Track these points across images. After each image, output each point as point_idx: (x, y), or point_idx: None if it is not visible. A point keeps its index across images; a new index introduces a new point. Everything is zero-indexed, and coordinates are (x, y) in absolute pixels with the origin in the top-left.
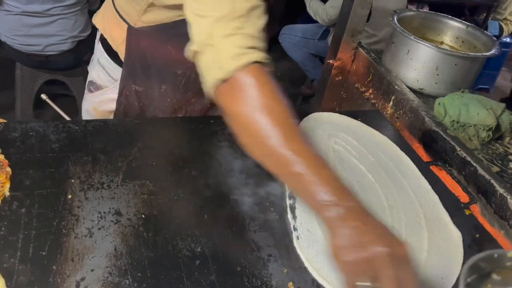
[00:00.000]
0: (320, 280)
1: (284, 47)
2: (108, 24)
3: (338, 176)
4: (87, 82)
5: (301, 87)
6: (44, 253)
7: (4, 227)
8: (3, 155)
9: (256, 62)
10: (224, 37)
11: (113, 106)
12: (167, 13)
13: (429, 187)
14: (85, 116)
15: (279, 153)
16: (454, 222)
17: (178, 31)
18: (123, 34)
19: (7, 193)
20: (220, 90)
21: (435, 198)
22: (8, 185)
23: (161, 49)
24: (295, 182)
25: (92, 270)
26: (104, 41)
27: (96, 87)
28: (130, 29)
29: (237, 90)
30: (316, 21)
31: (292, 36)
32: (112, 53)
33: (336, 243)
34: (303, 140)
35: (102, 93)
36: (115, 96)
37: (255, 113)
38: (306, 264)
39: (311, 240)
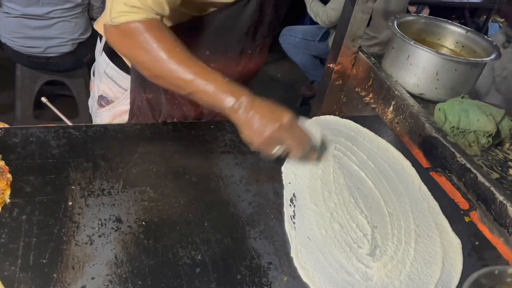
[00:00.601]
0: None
1: (284, 48)
2: None
3: (223, 77)
4: (96, 97)
5: (301, 88)
6: (44, 261)
7: (5, 235)
8: (4, 161)
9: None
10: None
11: (126, 117)
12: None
13: (428, 193)
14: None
15: (176, 78)
16: (453, 229)
17: (182, 33)
18: None
19: (8, 200)
20: (112, 35)
21: (435, 205)
22: (8, 192)
23: None
24: (198, 96)
25: (93, 278)
26: (107, 50)
27: (107, 101)
28: None
29: (127, 36)
30: (316, 23)
31: (293, 37)
32: (117, 62)
33: (245, 134)
34: (190, 61)
35: (114, 106)
36: (127, 107)
37: (148, 51)
38: (302, 274)
39: (309, 250)
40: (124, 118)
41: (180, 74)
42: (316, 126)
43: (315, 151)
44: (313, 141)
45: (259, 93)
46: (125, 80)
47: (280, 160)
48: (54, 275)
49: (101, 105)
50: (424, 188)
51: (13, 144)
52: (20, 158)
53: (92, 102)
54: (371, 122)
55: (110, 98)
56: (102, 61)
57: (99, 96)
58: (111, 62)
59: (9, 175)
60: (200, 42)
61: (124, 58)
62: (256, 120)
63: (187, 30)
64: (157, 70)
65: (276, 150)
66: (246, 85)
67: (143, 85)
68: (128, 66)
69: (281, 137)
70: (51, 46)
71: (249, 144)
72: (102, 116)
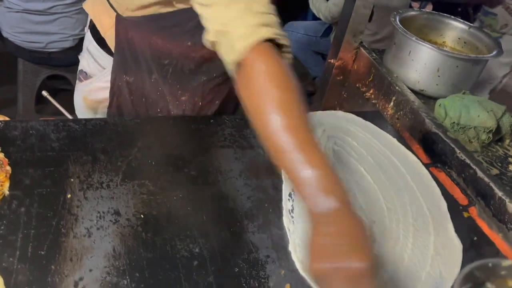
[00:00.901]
0: (314, 286)
1: None
2: (98, 10)
3: (338, 178)
4: (77, 71)
5: (303, 84)
6: (43, 253)
7: (4, 226)
8: (3, 154)
9: (267, 39)
10: (233, 20)
11: (102, 95)
12: (155, 6)
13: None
14: (77, 106)
15: (291, 156)
16: (453, 224)
17: (165, 23)
18: (111, 21)
19: (7, 192)
20: (238, 79)
21: (440, 201)
22: (7, 184)
23: (148, 40)
24: (300, 182)
25: (91, 270)
26: (93, 28)
27: (86, 76)
28: (118, 17)
29: (249, 79)
30: (319, 19)
31: (295, 33)
32: (100, 41)
33: (313, 245)
34: (312, 149)
35: (91, 82)
36: (103, 85)
37: (266, 112)
38: (299, 268)
39: (307, 244)
40: (100, 95)
41: (291, 155)
42: None
43: None
44: None
45: None
46: (105, 59)
47: None
48: (52, 266)
49: (79, 80)
50: (432, 184)
51: (13, 137)
52: (20, 150)
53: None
54: (372, 118)
55: (88, 74)
56: (86, 37)
57: (79, 70)
58: (93, 41)
59: (8, 168)
60: (181, 32)
61: (106, 41)
62: (327, 237)
63: (160, 21)
64: (274, 146)
65: None
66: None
67: (124, 68)
68: (109, 47)
69: (333, 283)
70: (53, 41)
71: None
72: (80, 91)
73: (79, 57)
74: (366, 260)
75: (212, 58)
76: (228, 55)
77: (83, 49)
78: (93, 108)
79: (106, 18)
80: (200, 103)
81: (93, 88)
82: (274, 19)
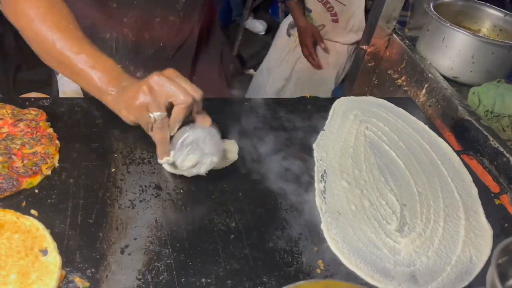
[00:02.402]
0: (346, 262)
1: None
2: None
3: (114, 64)
4: None
5: None
6: (91, 221)
7: (55, 195)
8: (52, 129)
9: None
10: None
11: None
12: None
13: (468, 177)
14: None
15: (61, 55)
16: (484, 211)
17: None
18: None
19: (57, 164)
20: (4, 5)
21: (472, 188)
22: (57, 157)
23: (84, 12)
24: (79, 79)
25: (135, 239)
26: None
27: None
28: None
29: (14, 3)
30: None
31: None
32: None
33: (121, 113)
34: (79, 41)
35: None
36: None
37: (33, 23)
38: (331, 246)
39: (339, 223)
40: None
41: (64, 50)
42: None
43: (206, 115)
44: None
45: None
46: None
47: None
48: (100, 234)
49: None
50: (463, 171)
51: (60, 113)
52: (67, 126)
53: None
54: (403, 104)
55: None
56: None
57: None
58: None
59: (57, 142)
60: None
61: None
62: (131, 88)
63: None
64: (42, 44)
65: (154, 116)
66: (199, 53)
67: None
68: None
69: (160, 89)
70: None
71: (125, 118)
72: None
73: None
74: (156, 73)
75: (150, 25)
76: None
77: None
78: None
79: None
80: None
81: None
82: None
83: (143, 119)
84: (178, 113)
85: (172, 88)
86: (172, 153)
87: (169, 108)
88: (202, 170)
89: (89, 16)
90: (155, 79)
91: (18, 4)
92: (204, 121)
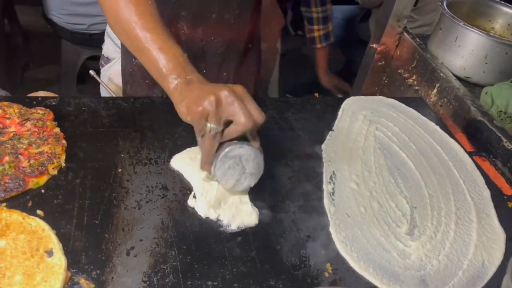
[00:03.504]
0: (355, 266)
1: None
2: None
3: (182, 53)
4: (100, 58)
5: (339, 70)
6: (97, 222)
7: (61, 196)
8: (59, 128)
9: None
10: None
11: (120, 80)
12: None
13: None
14: (103, 92)
15: (132, 28)
16: (496, 214)
17: None
18: None
19: (63, 164)
20: None
21: (484, 190)
22: (63, 157)
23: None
24: (144, 57)
25: (141, 240)
26: None
27: (107, 61)
28: None
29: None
30: (357, 3)
31: (332, 17)
32: None
33: (179, 107)
34: (155, 23)
35: (111, 66)
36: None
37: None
38: (340, 249)
39: (348, 226)
40: (119, 81)
41: (136, 25)
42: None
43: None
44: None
45: (293, 72)
46: None
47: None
48: (106, 235)
49: (101, 65)
50: (476, 172)
51: (67, 113)
52: (74, 126)
53: None
54: (414, 104)
55: (109, 58)
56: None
57: (101, 56)
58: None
59: (64, 141)
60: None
61: None
62: (199, 89)
63: None
64: (119, 17)
65: (210, 126)
66: (246, 53)
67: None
68: None
69: (228, 105)
70: (95, 23)
71: (185, 113)
72: (104, 76)
73: (102, 45)
74: (234, 85)
75: (205, 19)
76: None
77: (105, 34)
78: (118, 92)
79: None
80: (204, 70)
81: (114, 72)
82: None
83: (198, 125)
84: (233, 131)
85: (237, 108)
86: (214, 164)
87: (228, 123)
88: (239, 189)
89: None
90: (225, 94)
91: None
92: (254, 142)
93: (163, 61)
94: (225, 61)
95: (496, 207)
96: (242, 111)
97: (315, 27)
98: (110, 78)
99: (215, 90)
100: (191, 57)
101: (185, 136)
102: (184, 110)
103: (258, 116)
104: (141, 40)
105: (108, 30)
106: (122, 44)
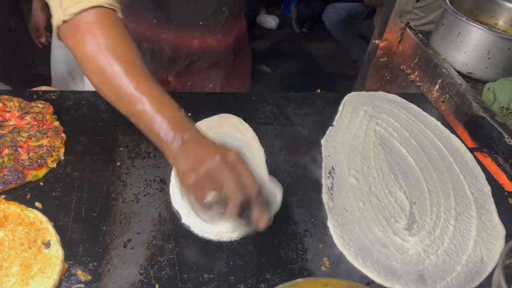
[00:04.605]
0: (352, 260)
1: (328, 26)
2: None
3: (177, 109)
4: None
5: (343, 67)
6: (95, 214)
7: (59, 188)
8: (58, 122)
9: (99, 6)
10: None
11: None
12: None
13: (481, 175)
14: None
15: (124, 92)
16: (496, 210)
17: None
18: None
19: (62, 157)
20: (64, 31)
21: (485, 186)
22: (63, 150)
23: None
24: (139, 120)
25: (138, 233)
26: None
27: None
28: None
29: (80, 31)
30: (361, 0)
31: (337, 15)
32: None
33: (179, 172)
34: (145, 79)
35: None
36: None
37: (99, 53)
38: (338, 243)
39: (346, 220)
40: None
41: (126, 87)
42: (278, 187)
43: (264, 213)
44: (263, 196)
45: (298, 71)
46: None
47: (213, 216)
48: (104, 227)
49: None
50: (476, 168)
51: (66, 107)
52: (73, 119)
53: None
54: (415, 100)
55: None
56: None
57: None
58: None
59: (63, 135)
60: (144, 8)
61: None
62: (194, 153)
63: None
64: (102, 74)
65: (211, 197)
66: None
67: None
68: None
69: (218, 176)
70: None
71: (181, 183)
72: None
73: None
74: (236, 151)
75: (182, 42)
76: (56, 15)
77: None
78: None
79: None
80: (190, 83)
81: None
82: None
83: (198, 191)
84: (231, 210)
85: (228, 180)
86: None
87: None
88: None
89: (133, 30)
90: (215, 164)
91: (84, 33)
92: (259, 220)
93: (161, 125)
94: (212, 74)
95: (496, 203)
96: (231, 184)
97: None
98: None
99: (206, 159)
100: (176, 73)
101: None
102: (181, 177)
103: (251, 186)
104: (133, 103)
105: None
106: None
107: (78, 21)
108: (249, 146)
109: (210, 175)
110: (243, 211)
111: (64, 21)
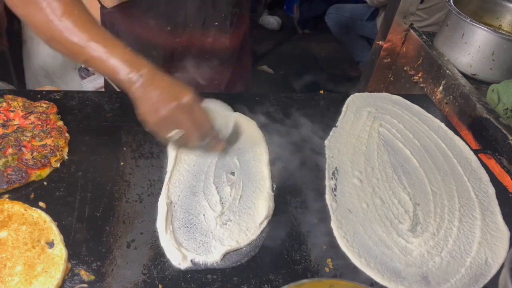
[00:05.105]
0: (356, 262)
1: (330, 27)
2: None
3: (126, 47)
4: (78, 69)
5: (346, 68)
6: (98, 214)
7: (63, 188)
8: (62, 122)
9: None
10: None
11: None
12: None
13: (486, 177)
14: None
15: (76, 44)
16: (501, 211)
17: (139, 9)
18: (97, 15)
19: (66, 157)
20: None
21: (489, 188)
22: (66, 150)
23: (132, 30)
24: (95, 66)
25: (141, 233)
26: None
27: (88, 73)
28: (102, 9)
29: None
30: (365, 1)
31: (340, 16)
32: None
33: (141, 111)
34: (88, 25)
35: (94, 78)
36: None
37: (49, 17)
38: (341, 244)
39: (349, 221)
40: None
41: (74, 37)
42: (230, 112)
43: (219, 141)
44: (216, 128)
45: (301, 72)
46: None
47: (177, 145)
48: (107, 227)
49: (82, 77)
50: (481, 170)
51: (70, 107)
52: (77, 119)
53: None
54: (419, 102)
55: (90, 71)
56: None
57: (79, 68)
58: None
59: (67, 135)
60: (158, 17)
61: None
62: (153, 95)
63: (133, 9)
64: (50, 31)
65: (172, 134)
66: (235, 61)
67: None
68: None
69: (178, 118)
70: None
71: (143, 124)
72: (86, 88)
73: None
74: (191, 93)
75: (195, 43)
76: None
77: None
78: None
79: (92, 11)
80: (197, 80)
81: (98, 85)
82: None
83: (161, 130)
84: (192, 143)
85: (185, 121)
86: None
87: None
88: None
89: (144, 37)
90: (172, 108)
91: None
92: (215, 147)
93: (115, 66)
94: (218, 68)
95: (501, 204)
96: (187, 122)
97: None
98: (94, 90)
99: (165, 102)
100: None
101: None
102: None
103: (203, 124)
104: (85, 52)
105: None
106: None
107: None
108: (254, 143)
109: (169, 117)
110: (203, 141)
111: None
